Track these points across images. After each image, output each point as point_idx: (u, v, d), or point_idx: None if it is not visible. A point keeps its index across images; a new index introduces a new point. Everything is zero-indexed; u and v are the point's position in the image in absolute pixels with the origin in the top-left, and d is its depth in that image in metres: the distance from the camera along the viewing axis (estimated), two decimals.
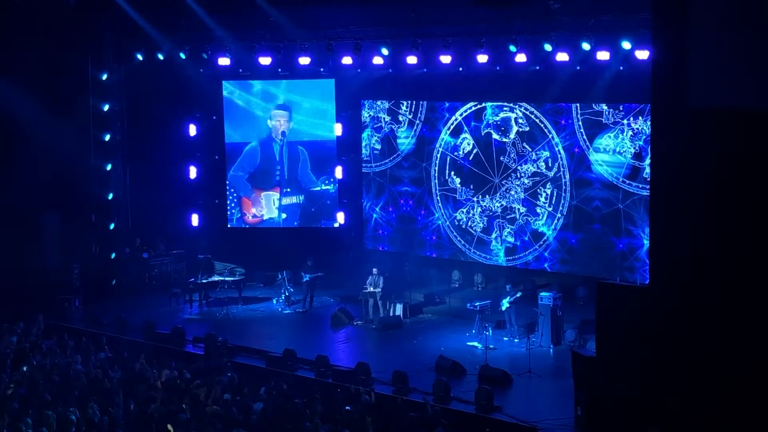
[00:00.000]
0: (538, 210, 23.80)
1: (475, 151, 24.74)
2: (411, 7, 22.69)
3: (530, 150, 23.77)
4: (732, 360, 14.25)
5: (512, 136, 24.05)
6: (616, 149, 22.43)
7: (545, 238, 23.79)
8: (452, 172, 25.27)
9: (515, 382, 18.81)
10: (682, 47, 14.35)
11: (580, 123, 22.91)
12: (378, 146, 26.69)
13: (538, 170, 23.74)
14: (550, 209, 23.59)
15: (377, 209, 27.01)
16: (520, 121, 23.82)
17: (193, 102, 27.66)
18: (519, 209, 24.18)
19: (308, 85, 27.16)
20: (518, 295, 21.72)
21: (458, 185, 25.18)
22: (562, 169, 23.31)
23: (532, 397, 18.17)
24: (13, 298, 23.47)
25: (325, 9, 24.04)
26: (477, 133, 24.67)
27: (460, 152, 25.01)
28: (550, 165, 23.50)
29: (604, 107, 22.48)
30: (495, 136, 24.34)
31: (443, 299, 24.52)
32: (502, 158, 24.29)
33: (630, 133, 22.16)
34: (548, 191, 23.62)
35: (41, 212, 25.99)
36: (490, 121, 24.39)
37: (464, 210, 25.16)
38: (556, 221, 23.59)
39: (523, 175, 24.01)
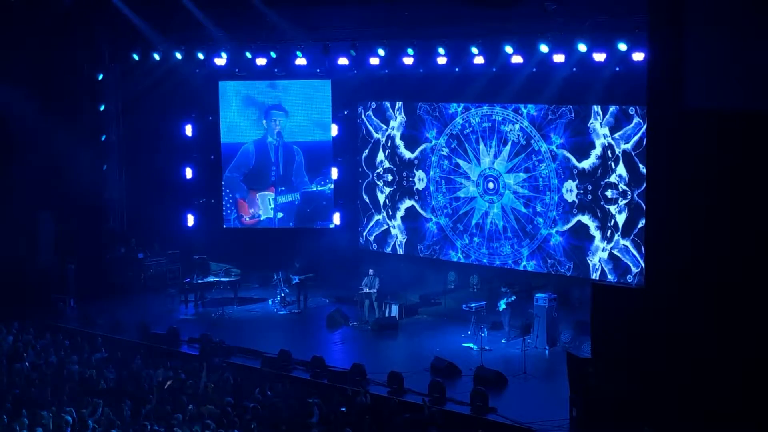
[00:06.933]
0: (536, 220, 23.81)
1: (470, 151, 24.74)
2: (407, 7, 22.69)
3: (527, 158, 23.77)
4: (726, 361, 14.29)
5: (510, 142, 24.03)
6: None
7: (541, 238, 23.79)
8: (447, 169, 25.26)
9: (510, 383, 18.82)
10: (677, 49, 14.39)
11: (574, 125, 22.96)
12: (374, 147, 26.70)
13: (534, 178, 23.75)
14: (547, 211, 23.60)
15: (373, 210, 27.01)
16: (524, 125, 23.77)
17: (190, 102, 27.63)
18: (513, 214, 24.19)
19: (304, 86, 27.14)
20: (513, 298, 21.71)
21: (454, 180, 25.19)
22: (558, 176, 23.31)
23: (527, 399, 18.16)
24: (7, 298, 23.44)
25: (321, 10, 24.05)
26: (474, 134, 24.66)
27: (455, 150, 25.01)
28: (546, 175, 23.49)
29: (596, 108, 22.54)
30: (492, 139, 24.34)
31: (439, 300, 24.52)
32: (498, 161, 24.29)
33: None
34: (546, 199, 23.63)
35: (37, 212, 25.97)
36: (488, 124, 24.39)
37: (458, 204, 25.16)
38: (551, 227, 23.60)
39: (519, 183, 24.01)
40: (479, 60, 22.61)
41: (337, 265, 26.38)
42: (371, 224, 27.05)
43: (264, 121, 27.46)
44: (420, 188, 25.89)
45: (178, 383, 17.65)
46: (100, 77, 26.57)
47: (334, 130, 27.24)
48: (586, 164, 22.84)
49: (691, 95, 14.28)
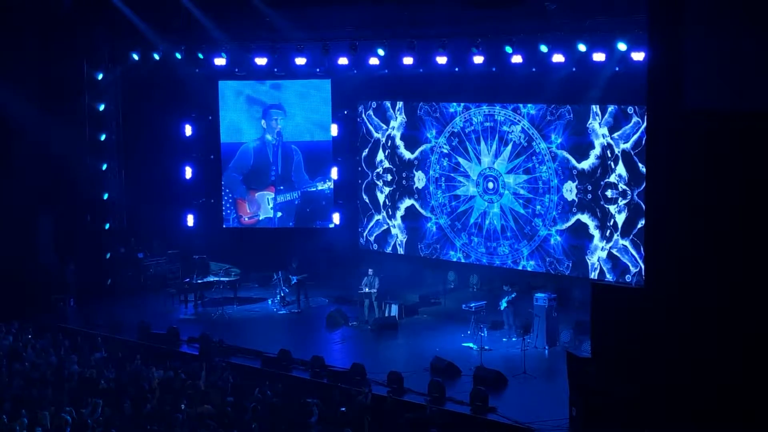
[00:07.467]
0: (535, 221, 23.82)
1: (471, 150, 24.76)
2: (407, 7, 22.69)
3: (527, 159, 23.77)
4: (726, 360, 14.29)
5: (511, 143, 24.03)
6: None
7: (540, 238, 23.81)
8: (447, 167, 25.26)
9: (510, 383, 18.83)
10: (677, 49, 14.39)
11: (573, 125, 22.97)
12: (373, 147, 26.71)
13: (534, 179, 23.76)
14: (546, 212, 23.62)
15: (373, 210, 27.01)
16: (525, 126, 23.78)
17: (189, 102, 27.62)
18: (511, 214, 24.20)
19: (304, 86, 27.15)
20: (514, 295, 21.77)
21: (454, 178, 25.20)
22: (558, 177, 23.32)
23: (527, 398, 18.16)
24: (7, 298, 23.44)
25: (321, 9, 24.03)
26: (475, 133, 24.68)
27: (455, 149, 25.03)
28: (547, 178, 23.50)
29: (596, 108, 22.55)
30: (494, 139, 24.35)
31: (438, 300, 24.54)
32: (498, 162, 24.31)
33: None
34: (545, 200, 23.64)
35: (36, 212, 25.95)
36: (489, 123, 24.40)
37: (457, 202, 25.16)
38: (550, 226, 23.61)
39: (519, 183, 24.00)
40: (479, 60, 22.61)
41: (337, 265, 26.39)
42: (371, 224, 27.06)
43: (263, 121, 27.46)
44: (420, 187, 25.92)
45: (178, 383, 17.65)
46: (100, 77, 26.55)
47: (334, 129, 27.25)
48: (585, 165, 22.87)
49: (691, 95, 14.28)
